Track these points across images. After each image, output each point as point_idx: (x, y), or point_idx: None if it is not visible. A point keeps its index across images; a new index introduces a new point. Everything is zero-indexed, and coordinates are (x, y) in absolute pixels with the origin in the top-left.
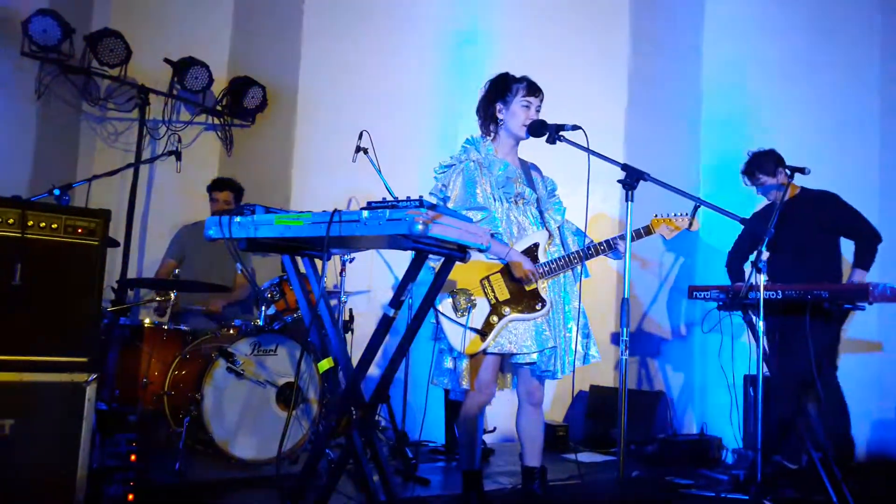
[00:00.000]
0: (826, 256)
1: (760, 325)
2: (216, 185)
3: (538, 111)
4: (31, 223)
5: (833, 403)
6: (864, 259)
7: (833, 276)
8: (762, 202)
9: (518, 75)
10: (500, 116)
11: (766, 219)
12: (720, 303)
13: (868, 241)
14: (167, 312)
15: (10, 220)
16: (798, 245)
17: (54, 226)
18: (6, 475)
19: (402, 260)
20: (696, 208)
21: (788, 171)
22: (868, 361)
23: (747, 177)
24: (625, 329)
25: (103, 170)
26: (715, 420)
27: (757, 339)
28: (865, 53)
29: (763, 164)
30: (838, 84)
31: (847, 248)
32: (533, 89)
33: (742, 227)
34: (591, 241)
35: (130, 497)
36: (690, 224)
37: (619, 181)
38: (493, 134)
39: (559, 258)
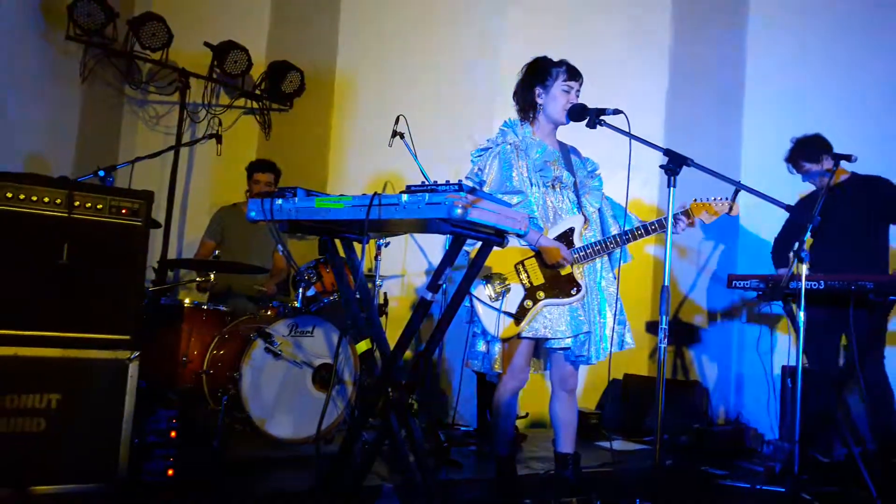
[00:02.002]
0: (874, 244)
1: (801, 315)
2: (258, 167)
3: (578, 95)
4: (77, 203)
5: (878, 396)
6: None
7: (881, 265)
8: (808, 188)
9: (556, 59)
10: (539, 101)
11: (813, 205)
12: (760, 292)
13: None
14: (208, 293)
15: (58, 201)
16: (845, 233)
17: (99, 206)
18: (52, 448)
19: (435, 245)
20: (735, 193)
21: (833, 158)
22: None
23: (791, 164)
24: (664, 317)
25: (145, 152)
26: (751, 411)
27: (797, 329)
28: None
29: (807, 151)
30: (885, 70)
31: None
32: (573, 73)
33: (787, 213)
34: (632, 225)
35: (170, 472)
36: (730, 209)
37: (661, 166)
38: (531, 119)
39: (595, 243)
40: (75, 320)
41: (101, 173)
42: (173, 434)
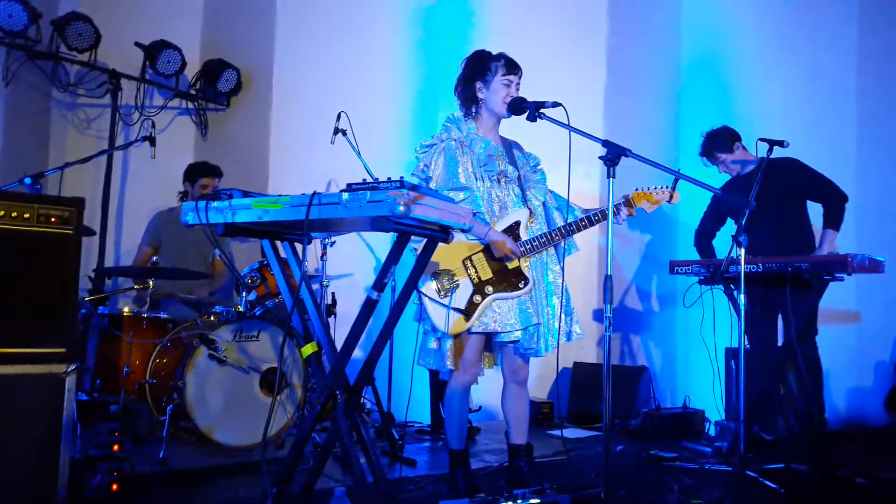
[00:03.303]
0: (797, 224)
1: (741, 298)
2: (204, 171)
3: (518, 88)
4: (1, 213)
5: (810, 370)
6: (833, 219)
7: (806, 243)
8: (726, 177)
9: (494, 52)
10: (480, 96)
11: (732, 192)
12: (701, 277)
13: (835, 200)
14: (147, 301)
15: None
16: (768, 215)
17: (26, 215)
18: None
19: (383, 243)
20: (675, 181)
21: (766, 144)
22: (846, 332)
23: (706, 157)
24: (608, 305)
25: (76, 157)
26: (698, 393)
27: (738, 312)
28: (844, 26)
29: (720, 142)
30: (816, 57)
31: (815, 214)
32: (512, 67)
33: (708, 203)
34: (576, 216)
35: (114, 487)
36: (671, 197)
37: (600, 157)
38: (474, 113)
39: (541, 235)
40: (5, 335)
41: (28, 181)
42: (116, 447)
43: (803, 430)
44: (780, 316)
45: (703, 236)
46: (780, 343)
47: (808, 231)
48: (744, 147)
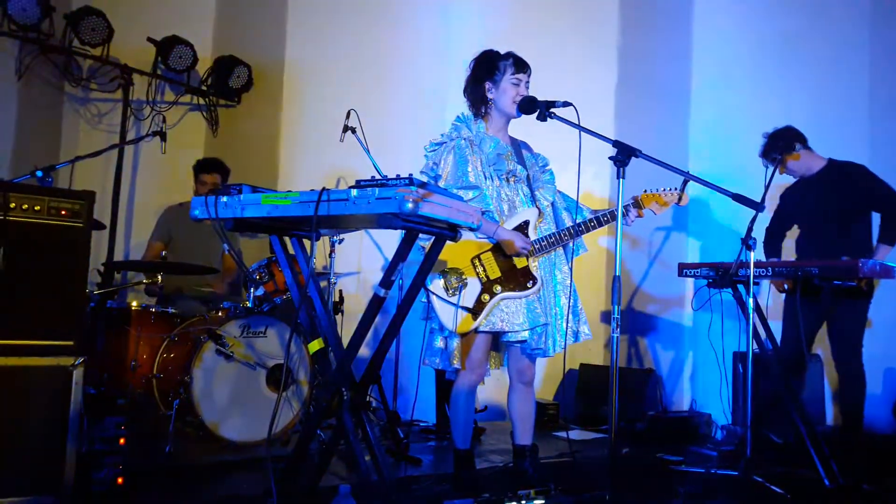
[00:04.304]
0: (856, 230)
1: (750, 301)
2: (204, 167)
3: (527, 87)
4: (13, 205)
5: (853, 385)
6: (889, 233)
7: (865, 251)
8: (752, 178)
9: (502, 52)
10: (489, 96)
11: (793, 195)
12: (710, 280)
13: (893, 214)
14: (159, 294)
15: None
16: (826, 220)
17: (37, 208)
18: None
19: (391, 241)
20: (684, 183)
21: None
22: None
23: (766, 159)
24: (616, 307)
25: (87, 151)
26: (705, 397)
27: (746, 315)
28: (856, 28)
29: (782, 143)
30: (829, 59)
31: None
32: (521, 65)
33: (733, 201)
34: (584, 217)
35: (120, 481)
36: (679, 199)
37: (610, 158)
38: (483, 113)
39: (549, 235)
40: (14, 327)
41: (39, 174)
42: (122, 441)
43: (810, 437)
44: (825, 322)
45: (772, 237)
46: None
47: (869, 240)
48: (808, 149)
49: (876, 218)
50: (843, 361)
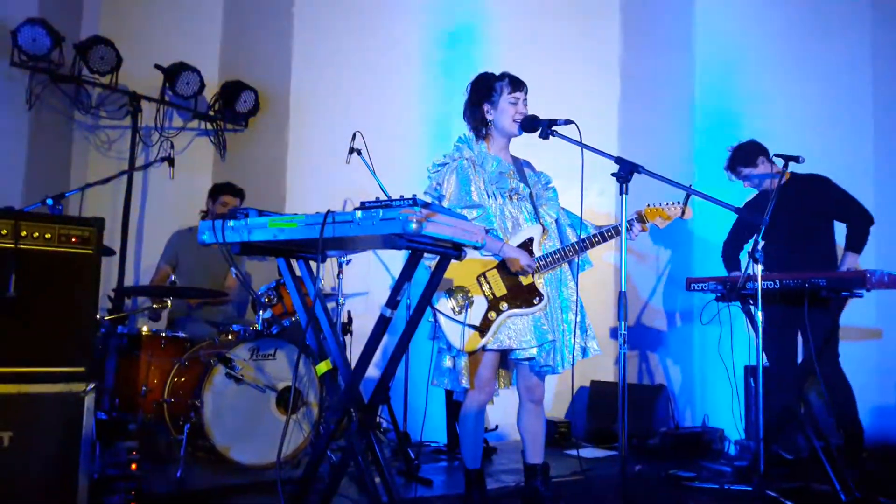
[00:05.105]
0: (821, 242)
1: (759, 315)
2: (226, 190)
3: (526, 104)
4: (24, 233)
5: (839, 391)
6: (856, 241)
7: (829, 261)
8: (753, 191)
9: (497, 73)
10: (489, 117)
11: (759, 207)
12: (718, 294)
13: (860, 223)
14: (161, 317)
15: (3, 231)
16: (792, 232)
17: (48, 235)
18: (6, 487)
19: (399, 261)
20: (687, 197)
21: (781, 160)
22: (867, 348)
23: (730, 171)
24: (623, 322)
25: (97, 178)
26: (716, 412)
27: (756, 329)
28: (858, 43)
29: (742, 156)
30: (831, 73)
31: (841, 232)
32: (517, 84)
33: (736, 216)
34: (588, 233)
35: None
36: (683, 213)
37: (612, 174)
38: (484, 134)
39: (554, 251)
40: (26, 354)
41: (50, 202)
42: (134, 466)
43: (825, 451)
44: (799, 333)
45: (731, 249)
46: (799, 360)
47: (832, 250)
48: (771, 161)
49: (837, 227)
50: (826, 373)
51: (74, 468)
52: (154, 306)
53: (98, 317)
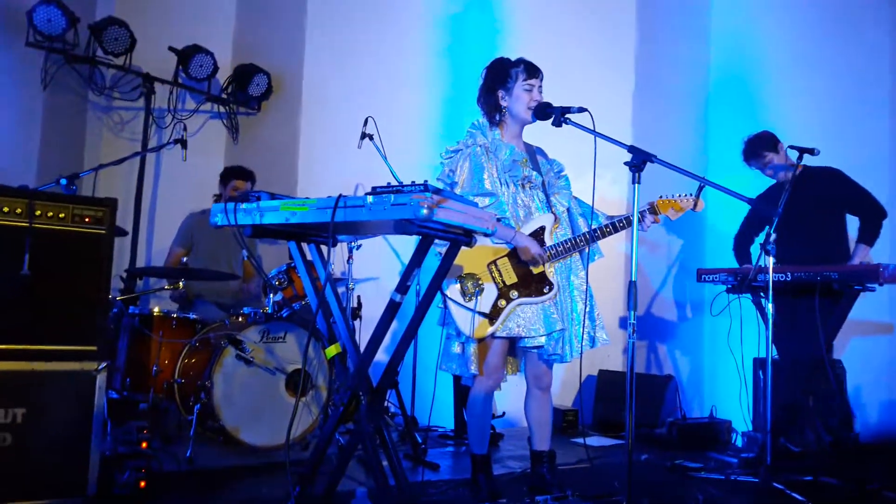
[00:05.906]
0: (833, 235)
1: (770, 307)
2: (238, 174)
3: (541, 92)
4: (38, 213)
5: (836, 379)
6: (868, 235)
7: (840, 254)
8: (767, 183)
9: (513, 59)
10: (503, 104)
11: (772, 199)
12: (729, 286)
13: (872, 216)
14: (181, 299)
15: (18, 210)
16: (804, 224)
17: (62, 215)
18: (19, 463)
19: (409, 246)
20: (700, 189)
21: (796, 152)
22: (879, 343)
23: (753, 159)
24: (632, 312)
25: (110, 159)
26: (724, 403)
27: (766, 321)
28: (874, 37)
29: (763, 142)
30: (847, 66)
31: (854, 225)
32: (532, 71)
33: (749, 207)
34: (600, 222)
35: (142, 484)
36: (695, 205)
37: (625, 163)
38: (498, 121)
39: (565, 241)
40: (39, 332)
41: (63, 182)
42: (144, 445)
43: (833, 443)
44: (810, 326)
45: (742, 241)
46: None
47: (844, 243)
48: (785, 154)
49: (850, 221)
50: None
51: (86, 445)
52: (166, 287)
53: (110, 297)
